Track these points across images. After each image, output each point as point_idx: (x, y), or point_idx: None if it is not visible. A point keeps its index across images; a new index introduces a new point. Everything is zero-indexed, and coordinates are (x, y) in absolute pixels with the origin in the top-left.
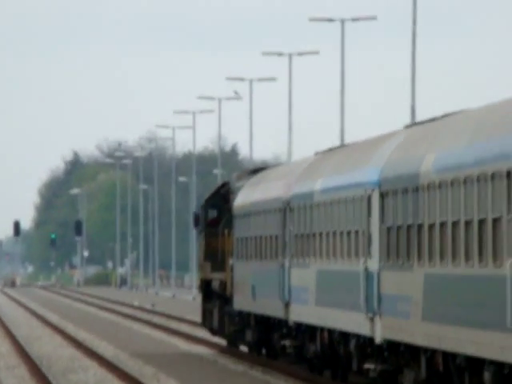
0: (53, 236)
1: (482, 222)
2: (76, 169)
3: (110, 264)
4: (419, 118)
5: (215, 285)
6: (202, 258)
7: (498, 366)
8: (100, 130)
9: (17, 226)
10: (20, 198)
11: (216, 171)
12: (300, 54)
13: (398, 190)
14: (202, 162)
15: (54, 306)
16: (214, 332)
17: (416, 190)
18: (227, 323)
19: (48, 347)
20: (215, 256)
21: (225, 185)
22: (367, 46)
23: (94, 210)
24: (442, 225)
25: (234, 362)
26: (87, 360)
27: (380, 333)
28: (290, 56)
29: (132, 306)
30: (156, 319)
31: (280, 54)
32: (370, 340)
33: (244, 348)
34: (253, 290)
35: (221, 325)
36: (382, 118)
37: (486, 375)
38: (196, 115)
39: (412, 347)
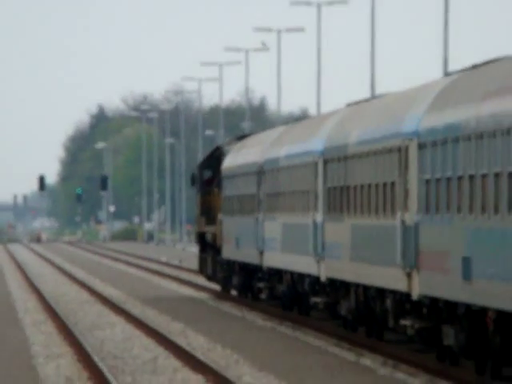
0: (78, 191)
1: (377, 186)
2: (101, 122)
3: (136, 219)
4: (452, 68)
5: (208, 237)
6: (198, 214)
7: (394, 293)
8: (125, 83)
9: (42, 180)
10: (45, 152)
11: (244, 124)
12: (329, 4)
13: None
14: (230, 116)
15: (81, 262)
16: (209, 278)
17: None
18: (219, 270)
19: (74, 303)
20: (209, 212)
21: (218, 148)
22: None
23: (120, 164)
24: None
25: (262, 319)
26: (114, 316)
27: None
28: (319, 5)
29: (159, 262)
30: (184, 275)
31: (308, 4)
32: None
33: (233, 292)
34: (237, 242)
35: (214, 272)
36: (413, 68)
37: (388, 301)
38: (223, 67)
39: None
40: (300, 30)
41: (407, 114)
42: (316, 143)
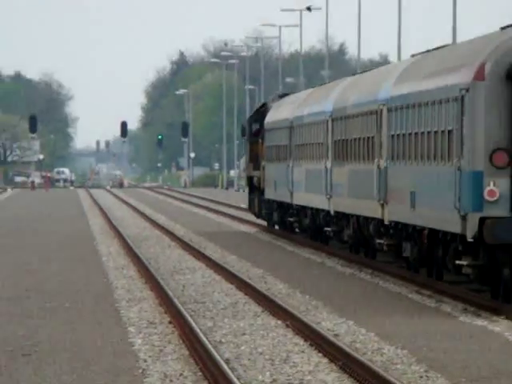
0: (159, 137)
1: (364, 139)
2: (182, 69)
3: (216, 166)
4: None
5: (255, 180)
6: (248, 160)
7: (375, 219)
8: (206, 30)
9: (124, 126)
10: (127, 99)
11: (323, 72)
12: None
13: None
14: (309, 62)
15: (162, 208)
16: (256, 215)
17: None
18: (263, 208)
19: (156, 248)
20: (256, 159)
21: (264, 104)
22: None
23: (201, 110)
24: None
25: (341, 265)
26: (195, 261)
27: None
28: None
29: (239, 208)
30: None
31: None
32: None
33: (276, 227)
34: (275, 184)
35: (259, 210)
36: (494, 12)
37: (371, 226)
38: (303, 13)
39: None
40: None
41: (382, 86)
42: (328, 105)
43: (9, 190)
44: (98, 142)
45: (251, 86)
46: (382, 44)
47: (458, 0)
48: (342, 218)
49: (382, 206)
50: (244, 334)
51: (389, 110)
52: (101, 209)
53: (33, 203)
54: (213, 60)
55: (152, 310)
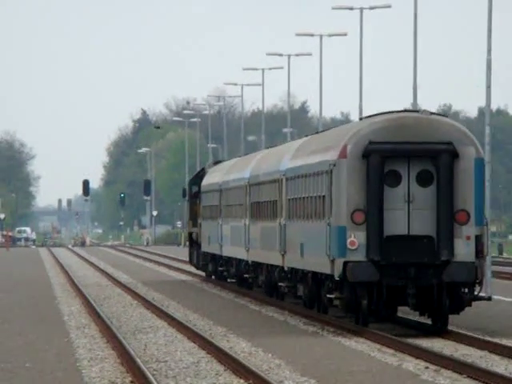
0: (121, 195)
1: (270, 202)
2: (144, 127)
3: (178, 224)
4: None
5: (193, 236)
6: (188, 218)
7: (277, 267)
8: (168, 89)
9: (86, 185)
10: (89, 157)
11: (285, 130)
12: (371, 8)
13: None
14: (272, 121)
15: (124, 266)
16: (196, 267)
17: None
18: (201, 260)
19: (118, 307)
20: (195, 217)
21: (202, 169)
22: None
23: (163, 168)
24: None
25: (303, 323)
26: (157, 319)
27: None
28: (362, 10)
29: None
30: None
31: (351, 8)
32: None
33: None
34: (209, 239)
35: (197, 261)
36: (455, 75)
37: (276, 272)
38: (265, 72)
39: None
40: (342, 34)
41: (282, 160)
42: (246, 173)
43: None
44: (59, 201)
45: (214, 145)
46: (344, 102)
47: (418, 61)
48: (256, 266)
49: (283, 255)
50: None
51: (286, 179)
52: (63, 268)
53: None
54: (175, 118)
55: (114, 369)
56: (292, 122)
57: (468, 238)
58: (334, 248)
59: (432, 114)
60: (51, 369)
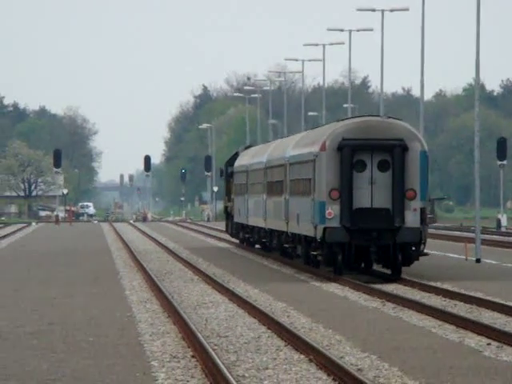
0: (183, 171)
1: (278, 182)
2: (205, 103)
3: None
4: None
5: (228, 209)
6: (224, 194)
7: (279, 233)
8: (229, 65)
9: (147, 160)
10: (151, 133)
11: (346, 105)
12: None
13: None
14: (332, 96)
15: (185, 241)
16: (230, 235)
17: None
18: (234, 229)
19: (179, 282)
20: (229, 193)
21: (236, 153)
22: None
23: (224, 144)
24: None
25: (364, 299)
26: (218, 295)
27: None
28: None
29: None
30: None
31: None
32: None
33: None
34: (239, 211)
35: (232, 231)
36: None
37: (282, 237)
38: (326, 47)
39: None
40: (404, 9)
41: (287, 149)
42: (264, 158)
43: (33, 224)
44: (121, 176)
45: (274, 121)
46: (406, 78)
47: (481, 35)
48: (271, 232)
49: (287, 223)
50: (267, 368)
51: (289, 165)
52: (124, 242)
53: (57, 237)
54: (236, 94)
55: (175, 343)
56: (353, 97)
57: (415, 209)
58: (317, 217)
59: (389, 117)
60: (114, 343)
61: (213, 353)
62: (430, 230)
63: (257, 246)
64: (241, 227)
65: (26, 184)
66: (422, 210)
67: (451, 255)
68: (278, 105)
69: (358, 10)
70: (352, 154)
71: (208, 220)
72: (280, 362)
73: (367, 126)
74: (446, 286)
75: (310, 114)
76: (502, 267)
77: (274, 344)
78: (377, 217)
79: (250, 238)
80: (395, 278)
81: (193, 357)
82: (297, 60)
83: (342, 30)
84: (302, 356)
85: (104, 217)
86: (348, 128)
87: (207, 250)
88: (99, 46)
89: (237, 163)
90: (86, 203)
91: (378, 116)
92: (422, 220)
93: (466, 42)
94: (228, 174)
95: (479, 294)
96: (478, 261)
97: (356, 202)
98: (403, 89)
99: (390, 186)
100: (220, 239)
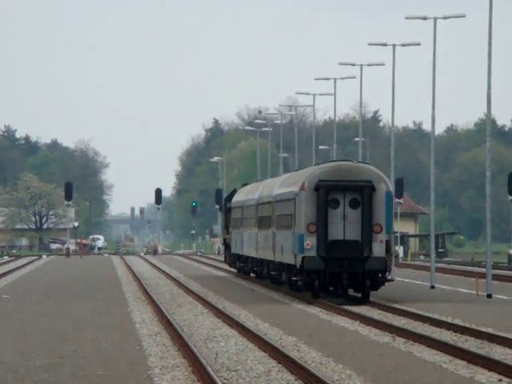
0: (194, 204)
1: (266, 217)
2: (216, 137)
3: None
4: None
5: (227, 241)
6: (223, 227)
7: (268, 261)
8: (240, 98)
9: (158, 193)
10: (162, 166)
11: (357, 139)
12: (445, 18)
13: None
14: (343, 130)
15: (195, 274)
16: (229, 265)
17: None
18: (231, 259)
19: (189, 315)
20: (227, 226)
21: (234, 190)
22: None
23: (235, 177)
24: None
25: (374, 334)
26: (228, 328)
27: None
28: (435, 20)
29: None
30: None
31: (424, 18)
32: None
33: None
34: (235, 243)
35: (230, 261)
36: None
37: (269, 265)
38: (337, 81)
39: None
40: (416, 44)
41: (274, 188)
42: (256, 195)
43: (44, 256)
44: (132, 209)
45: (285, 154)
46: (417, 111)
47: (492, 71)
48: (262, 261)
49: (274, 253)
50: None
51: (275, 202)
52: (135, 275)
53: (68, 270)
54: (247, 128)
55: (185, 377)
56: (364, 131)
57: (381, 241)
58: (296, 248)
59: (359, 162)
60: (124, 376)
61: None
62: (441, 265)
63: (252, 274)
64: (237, 257)
65: (38, 217)
66: (387, 242)
67: (462, 290)
68: (289, 138)
69: (370, 44)
70: (327, 194)
71: (219, 253)
72: None
73: (340, 169)
74: (457, 321)
75: (321, 147)
76: None
77: (284, 378)
78: (348, 247)
79: (244, 266)
80: (364, 300)
81: None
82: (308, 94)
83: (353, 65)
84: None
85: (115, 250)
86: (324, 171)
87: (217, 283)
88: (111, 80)
89: (234, 199)
90: (96, 236)
91: (350, 161)
92: (387, 250)
93: (478, 76)
94: (227, 209)
95: (490, 330)
96: (489, 296)
97: (330, 235)
98: (414, 123)
99: (359, 221)
100: (229, 272)
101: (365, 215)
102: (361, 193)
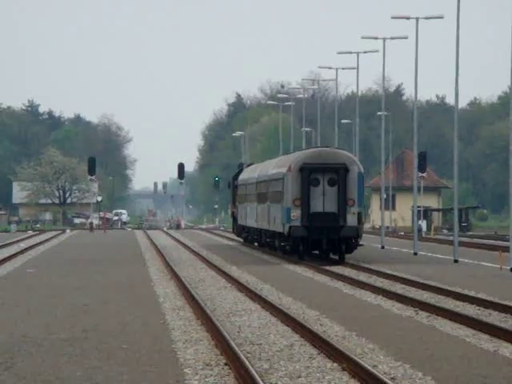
0: (216, 179)
1: (269, 193)
2: (239, 111)
3: None
4: None
5: (234, 214)
6: (231, 201)
7: (265, 231)
8: (263, 73)
9: (181, 168)
10: (184, 141)
11: (380, 113)
12: None
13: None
14: (366, 104)
15: (218, 249)
16: (236, 235)
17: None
18: (238, 230)
19: (212, 289)
20: (235, 201)
21: (241, 169)
22: None
23: (257, 152)
24: (264, 193)
25: (397, 308)
26: (251, 303)
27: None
28: None
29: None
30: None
31: None
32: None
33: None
34: (240, 216)
35: (237, 231)
36: None
37: (267, 233)
38: (360, 55)
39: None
40: (439, 17)
41: (269, 169)
42: (256, 175)
43: (67, 231)
44: (155, 184)
45: (308, 128)
46: (440, 85)
47: None
48: (260, 231)
49: (268, 223)
50: (300, 376)
51: (270, 181)
52: (158, 250)
53: (91, 244)
54: (269, 102)
55: (208, 351)
56: (386, 105)
57: (354, 213)
58: (285, 218)
59: (336, 148)
60: (147, 350)
61: (246, 361)
62: (464, 239)
63: (255, 243)
64: (242, 228)
65: (61, 191)
66: (359, 214)
67: (485, 264)
68: (311, 113)
69: (393, 17)
70: (309, 174)
71: None
72: (313, 370)
73: (320, 154)
74: (481, 295)
75: (344, 121)
76: None
77: (307, 352)
78: (327, 218)
79: (248, 236)
80: (341, 261)
81: (226, 364)
82: (330, 68)
83: (376, 38)
84: (335, 364)
85: (138, 224)
86: (307, 155)
87: (240, 257)
88: (134, 55)
89: (240, 177)
90: (120, 210)
91: (329, 147)
92: (359, 220)
93: (502, 49)
94: (234, 185)
95: None
96: None
97: (312, 208)
98: (437, 96)
99: (336, 196)
100: (253, 248)
101: (340, 191)
102: (337, 173)
